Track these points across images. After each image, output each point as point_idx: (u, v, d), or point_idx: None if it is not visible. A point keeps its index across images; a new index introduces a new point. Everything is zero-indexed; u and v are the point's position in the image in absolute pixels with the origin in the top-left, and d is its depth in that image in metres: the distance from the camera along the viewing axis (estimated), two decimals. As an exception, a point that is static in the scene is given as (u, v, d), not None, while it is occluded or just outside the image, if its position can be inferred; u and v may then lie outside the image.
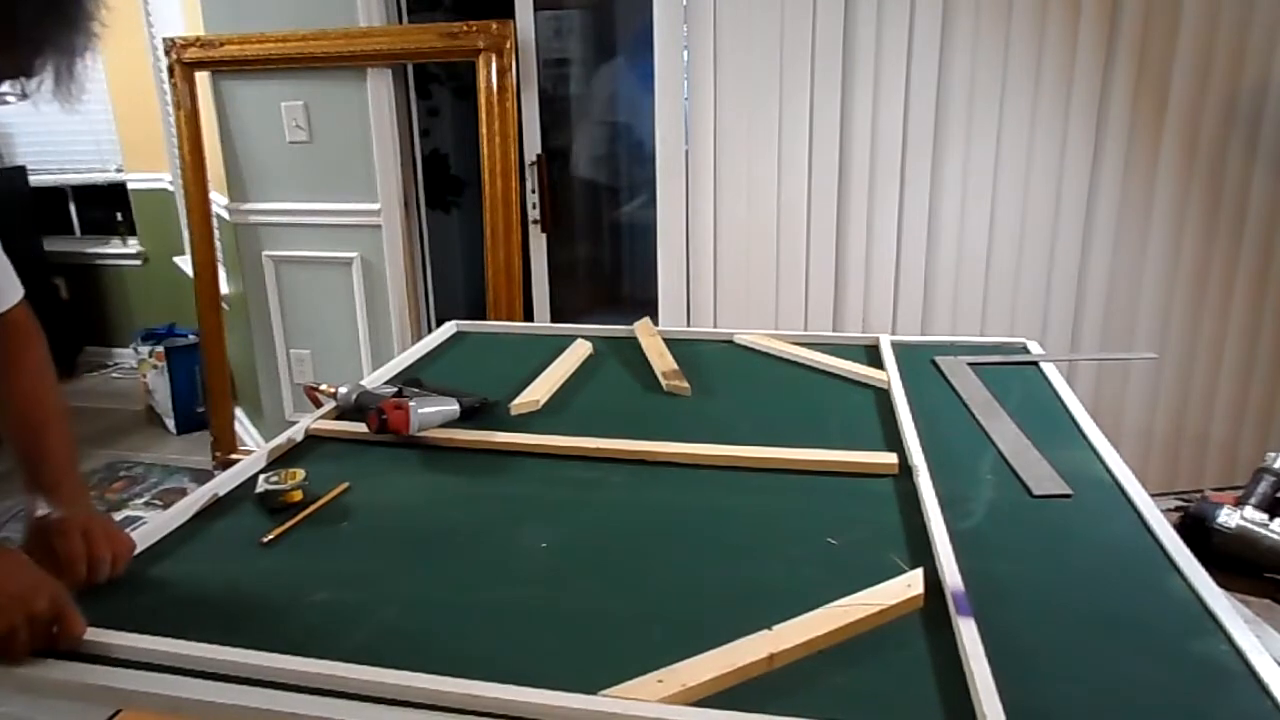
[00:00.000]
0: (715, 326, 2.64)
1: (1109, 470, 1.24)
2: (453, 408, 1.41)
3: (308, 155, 2.89)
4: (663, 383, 1.61)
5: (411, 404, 1.34)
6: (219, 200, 3.09)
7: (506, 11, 2.66)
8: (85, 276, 4.57)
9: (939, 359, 1.70)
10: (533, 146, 2.78)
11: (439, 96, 3.91)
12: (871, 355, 1.73)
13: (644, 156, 2.78)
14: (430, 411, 1.37)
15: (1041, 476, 1.22)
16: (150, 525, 1.12)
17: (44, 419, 1.08)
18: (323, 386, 1.48)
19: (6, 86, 0.81)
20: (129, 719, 1.27)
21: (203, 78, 2.92)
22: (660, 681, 0.81)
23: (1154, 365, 2.66)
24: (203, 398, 3.60)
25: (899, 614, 0.92)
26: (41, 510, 1.00)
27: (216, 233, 3.20)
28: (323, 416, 1.48)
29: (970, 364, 1.67)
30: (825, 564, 1.03)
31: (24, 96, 0.82)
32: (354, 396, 1.46)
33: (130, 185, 4.43)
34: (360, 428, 1.41)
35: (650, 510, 1.18)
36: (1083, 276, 2.61)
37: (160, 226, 4.41)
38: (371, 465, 1.32)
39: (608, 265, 4.42)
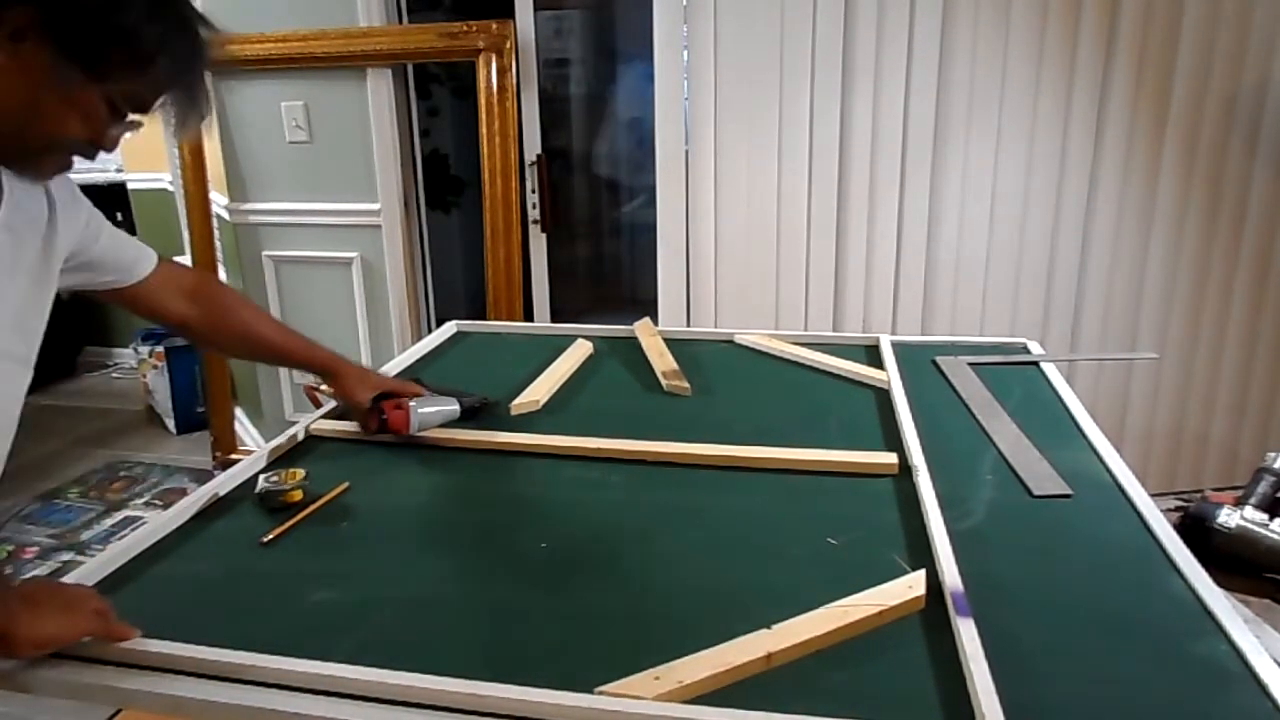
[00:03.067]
0: (715, 326, 2.64)
1: (1109, 470, 1.24)
2: (453, 408, 1.41)
3: (308, 155, 2.89)
4: (663, 383, 1.61)
5: (411, 404, 1.34)
6: (219, 200, 3.09)
7: (506, 11, 2.66)
8: (85, 276, 4.56)
9: (939, 359, 1.70)
10: (533, 146, 2.78)
11: (439, 96, 3.91)
12: (871, 355, 1.73)
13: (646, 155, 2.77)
14: (430, 411, 1.37)
15: (1041, 476, 1.22)
16: (150, 525, 1.12)
17: (283, 333, 1.35)
18: (322, 386, 1.49)
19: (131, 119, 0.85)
20: (129, 719, 1.27)
21: (203, 78, 2.92)
22: (657, 679, 0.81)
23: (1154, 365, 2.66)
24: (203, 398, 3.60)
25: (899, 615, 0.92)
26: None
27: (216, 233, 3.20)
28: (323, 416, 1.48)
29: (970, 364, 1.67)
30: (825, 564, 1.03)
31: (138, 126, 0.86)
32: None
33: (130, 185, 4.43)
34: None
35: (650, 510, 1.18)
36: (1083, 276, 2.61)
37: (160, 226, 4.40)
38: (371, 465, 1.32)
39: (608, 265, 4.42)
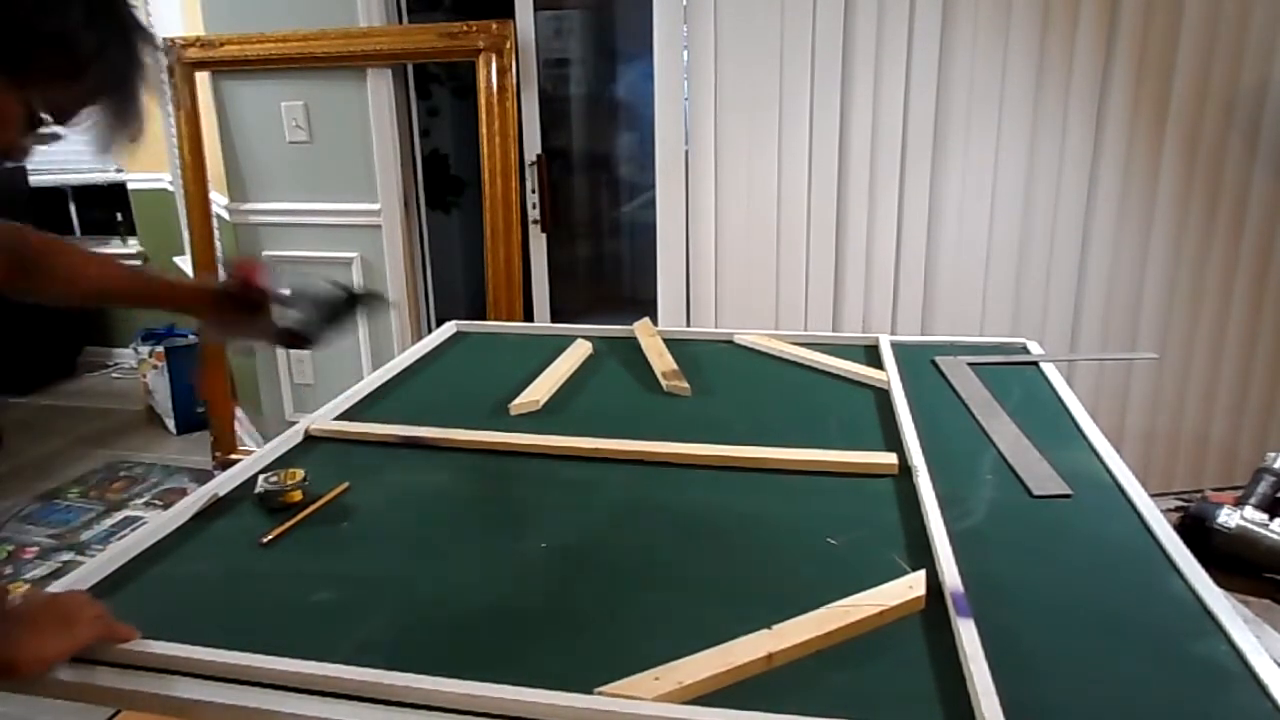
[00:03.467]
0: (715, 326, 2.64)
1: (1109, 470, 1.24)
2: (329, 288, 1.27)
3: (308, 155, 2.89)
4: (663, 383, 1.61)
5: (273, 269, 1.22)
6: (219, 200, 3.09)
7: (506, 11, 2.66)
8: (85, 276, 4.56)
9: (939, 359, 1.70)
10: (533, 146, 2.78)
11: (439, 96, 3.91)
12: (871, 355, 1.73)
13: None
14: (302, 286, 1.24)
15: (1041, 476, 1.22)
16: (150, 525, 1.12)
17: (115, 269, 1.19)
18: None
19: (57, 129, 0.79)
20: (129, 719, 1.27)
21: (203, 78, 2.92)
22: (657, 679, 0.81)
23: (1154, 365, 2.66)
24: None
25: (899, 615, 0.92)
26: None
27: (216, 233, 3.19)
28: (323, 416, 1.48)
29: (970, 364, 1.67)
30: (825, 564, 1.03)
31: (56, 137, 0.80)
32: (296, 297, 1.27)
33: (130, 185, 4.43)
34: (361, 428, 1.42)
35: (649, 510, 1.18)
36: (1083, 276, 2.61)
37: (160, 226, 4.40)
38: (371, 465, 1.32)
39: (608, 265, 4.42)
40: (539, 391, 1.55)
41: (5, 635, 0.81)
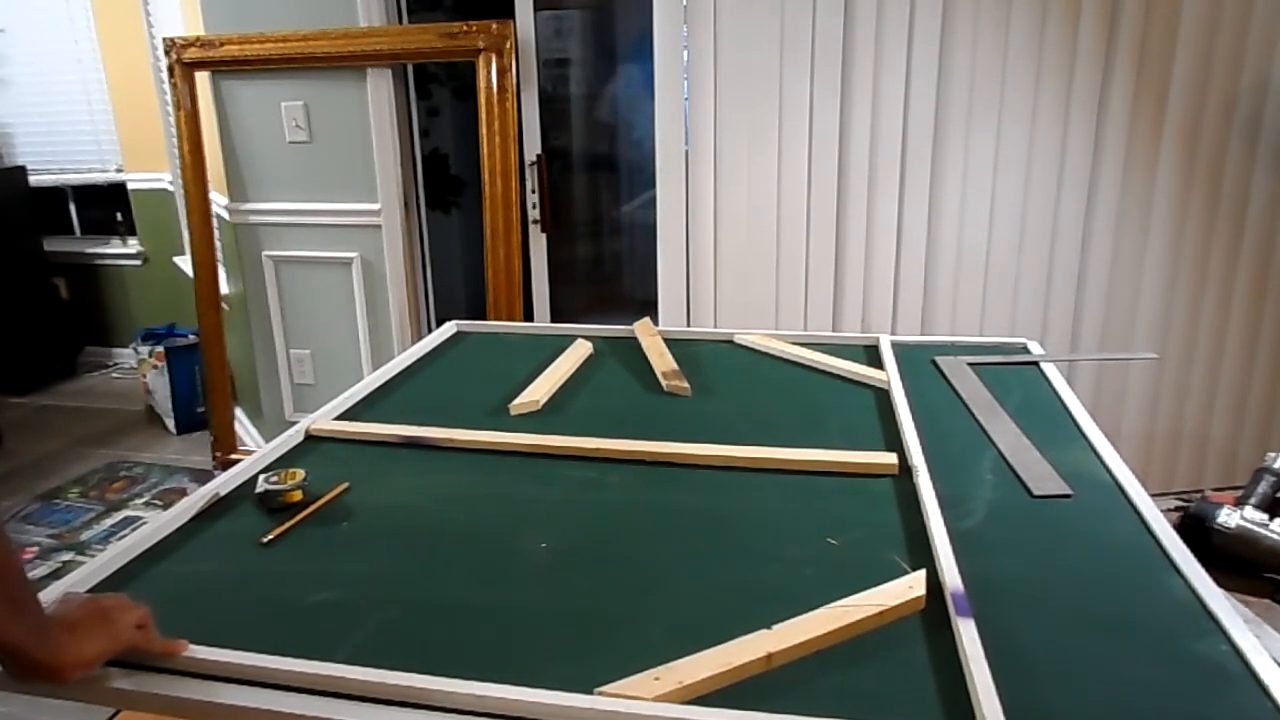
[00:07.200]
0: (715, 326, 2.64)
1: (1109, 470, 1.24)
2: None
3: (308, 155, 2.89)
4: (663, 383, 1.61)
5: None
6: (219, 200, 3.09)
7: (506, 11, 2.66)
8: (85, 276, 4.57)
9: (939, 359, 1.70)
10: (533, 146, 2.78)
11: (439, 96, 3.91)
12: (871, 355, 1.73)
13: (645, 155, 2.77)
14: None
15: (1041, 476, 1.22)
16: (150, 525, 1.12)
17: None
18: None
19: None
20: (129, 719, 1.27)
21: (203, 78, 2.92)
22: (657, 679, 0.81)
23: (1154, 365, 2.66)
24: (203, 398, 3.60)
25: (900, 615, 0.92)
26: None
27: (216, 233, 3.19)
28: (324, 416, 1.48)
29: (970, 364, 1.67)
30: (825, 564, 1.03)
31: None
32: None
33: (130, 185, 4.43)
34: (361, 428, 1.41)
35: (650, 510, 1.18)
36: (1083, 276, 2.61)
37: (160, 226, 4.41)
38: (371, 465, 1.32)
39: (608, 265, 4.42)
40: (539, 391, 1.55)
41: (46, 640, 0.78)
